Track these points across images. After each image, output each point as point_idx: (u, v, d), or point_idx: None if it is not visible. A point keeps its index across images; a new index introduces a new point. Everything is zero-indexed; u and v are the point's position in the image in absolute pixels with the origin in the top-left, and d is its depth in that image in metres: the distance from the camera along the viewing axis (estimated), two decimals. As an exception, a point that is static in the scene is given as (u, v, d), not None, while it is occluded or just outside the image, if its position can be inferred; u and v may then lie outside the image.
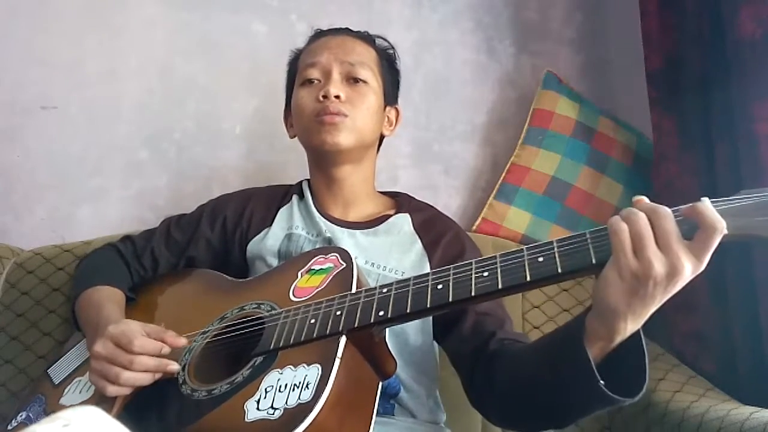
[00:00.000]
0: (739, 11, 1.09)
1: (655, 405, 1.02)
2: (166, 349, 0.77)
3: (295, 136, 1.10)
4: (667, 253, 0.57)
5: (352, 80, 1.03)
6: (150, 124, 1.42)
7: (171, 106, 1.43)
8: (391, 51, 1.13)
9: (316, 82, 1.03)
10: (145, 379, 0.75)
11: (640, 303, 0.59)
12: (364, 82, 1.03)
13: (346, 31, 1.10)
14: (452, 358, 0.93)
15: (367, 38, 1.10)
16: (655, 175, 1.28)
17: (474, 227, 1.40)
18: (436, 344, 0.98)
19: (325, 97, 0.99)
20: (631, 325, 0.62)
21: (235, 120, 1.45)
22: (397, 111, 1.14)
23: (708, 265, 0.58)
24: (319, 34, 1.11)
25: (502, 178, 1.43)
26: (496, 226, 1.39)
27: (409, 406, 0.90)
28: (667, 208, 0.59)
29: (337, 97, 0.99)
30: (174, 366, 0.76)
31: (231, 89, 1.46)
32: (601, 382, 0.62)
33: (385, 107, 1.09)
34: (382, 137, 1.12)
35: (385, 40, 1.13)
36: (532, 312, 1.23)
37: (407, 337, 0.92)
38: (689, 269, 0.58)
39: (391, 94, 1.11)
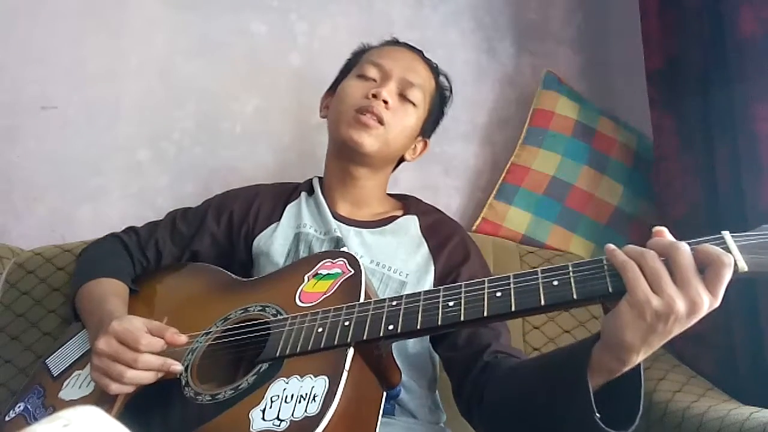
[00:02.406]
0: (739, 11, 1.09)
1: (655, 405, 1.02)
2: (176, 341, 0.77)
3: (324, 117, 1.11)
4: (687, 289, 0.57)
5: (404, 97, 1.04)
6: (150, 124, 1.42)
7: (171, 106, 1.43)
8: (448, 93, 1.15)
9: (371, 80, 1.04)
10: (148, 377, 0.75)
11: (657, 338, 0.59)
12: (414, 104, 1.05)
13: (418, 52, 1.12)
14: (445, 364, 0.93)
15: (433, 69, 1.12)
16: (655, 175, 1.28)
17: (474, 227, 1.40)
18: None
19: (374, 96, 1.00)
20: (641, 357, 0.61)
21: (235, 120, 1.45)
22: (426, 144, 1.15)
23: None
24: (393, 42, 1.14)
25: (502, 178, 1.43)
26: (496, 226, 1.39)
27: (409, 406, 0.91)
28: (686, 245, 0.59)
29: (385, 102, 1.00)
30: (178, 366, 0.75)
31: (231, 89, 1.45)
32: (597, 415, 0.61)
33: (418, 136, 1.10)
34: (401, 160, 1.13)
35: (448, 80, 1.15)
36: (533, 312, 1.23)
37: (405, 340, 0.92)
38: (708, 304, 0.57)
39: (429, 127, 1.13)
